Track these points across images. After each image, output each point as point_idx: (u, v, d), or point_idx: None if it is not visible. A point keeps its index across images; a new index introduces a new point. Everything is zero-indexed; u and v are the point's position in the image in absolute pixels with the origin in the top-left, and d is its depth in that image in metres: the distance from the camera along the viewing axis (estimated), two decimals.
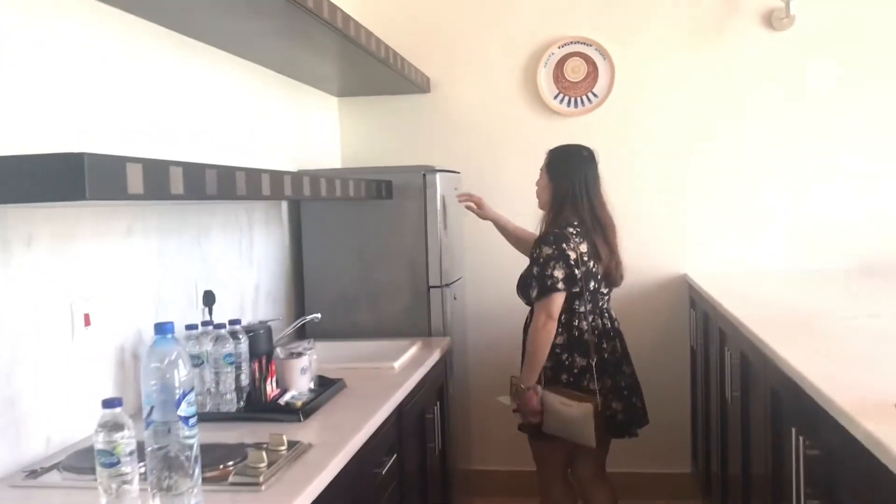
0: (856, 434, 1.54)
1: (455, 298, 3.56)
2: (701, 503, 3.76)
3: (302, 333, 3.44)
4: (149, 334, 2.26)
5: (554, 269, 2.84)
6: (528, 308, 3.03)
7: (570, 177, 2.97)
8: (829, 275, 3.80)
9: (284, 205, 3.40)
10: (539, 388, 2.90)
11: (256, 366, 2.20)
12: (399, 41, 3.59)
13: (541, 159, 3.09)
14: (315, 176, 2.61)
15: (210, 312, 2.60)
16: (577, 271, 2.84)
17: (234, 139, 2.98)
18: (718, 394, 3.17)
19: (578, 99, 4.03)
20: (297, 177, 2.43)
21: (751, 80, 3.93)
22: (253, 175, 2.05)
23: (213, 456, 1.69)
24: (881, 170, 3.88)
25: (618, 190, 3.35)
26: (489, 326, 4.07)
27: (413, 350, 2.99)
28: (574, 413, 2.81)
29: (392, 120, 4.17)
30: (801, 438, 1.82)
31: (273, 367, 2.23)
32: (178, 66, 2.54)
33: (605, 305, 3.02)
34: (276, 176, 2.23)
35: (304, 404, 2.18)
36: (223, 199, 2.04)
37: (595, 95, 4.01)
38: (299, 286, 3.49)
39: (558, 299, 2.86)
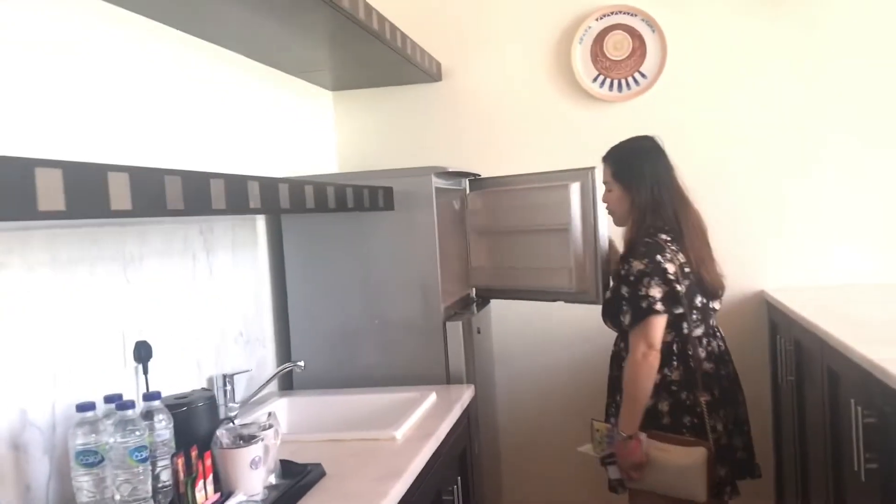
0: None
1: (479, 332, 2.83)
2: None
3: (289, 383, 2.74)
4: (40, 414, 1.58)
5: (649, 287, 2.32)
6: (615, 334, 2.56)
7: (645, 179, 2.47)
8: None
9: (260, 222, 2.71)
10: (643, 435, 2.35)
11: (180, 462, 1.48)
12: (404, 22, 2.90)
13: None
14: (297, 183, 1.93)
15: (145, 372, 1.92)
16: (678, 287, 2.32)
17: (204, 140, 2.31)
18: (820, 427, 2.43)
19: (623, 81, 3.30)
20: (269, 184, 1.75)
21: (839, 51, 3.18)
22: (198, 181, 1.37)
23: None
24: None
25: None
26: (526, 361, 3.35)
27: (425, 407, 2.27)
28: (683, 462, 2.30)
29: (398, 115, 3.47)
30: None
31: (208, 462, 1.52)
32: (132, 51, 1.89)
33: (715, 323, 2.52)
34: (235, 183, 1.55)
35: None
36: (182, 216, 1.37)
37: (643, 76, 3.28)
38: (283, 324, 2.79)
39: (659, 324, 2.34)
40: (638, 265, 2.35)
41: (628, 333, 2.39)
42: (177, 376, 2.12)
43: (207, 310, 2.30)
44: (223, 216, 2.31)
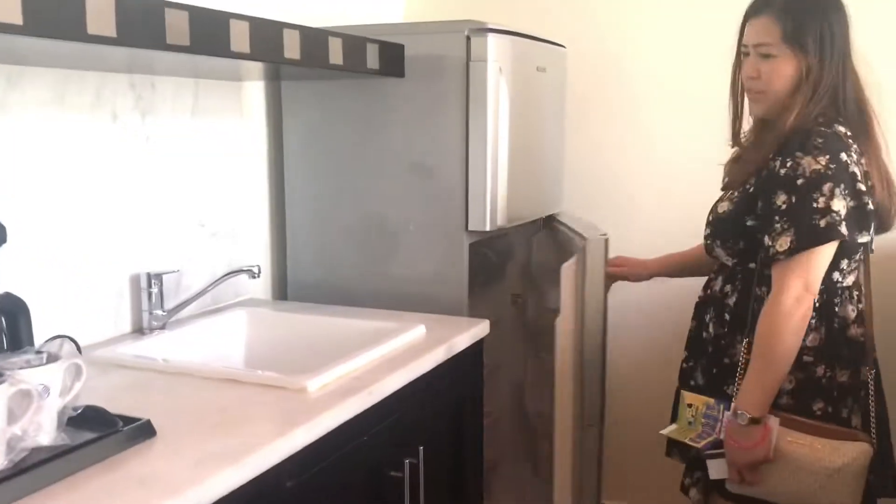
0: None
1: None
2: None
3: (284, 294, 2.22)
4: None
5: (832, 197, 1.56)
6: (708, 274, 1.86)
7: (834, 46, 1.65)
8: None
9: (252, 88, 2.13)
10: (773, 419, 1.61)
11: None
12: None
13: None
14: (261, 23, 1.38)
15: None
16: (869, 204, 1.61)
17: None
18: None
19: None
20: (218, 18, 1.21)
21: None
22: None
23: None
24: None
25: None
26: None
27: (394, 345, 1.65)
28: (834, 463, 1.58)
29: None
30: None
31: None
32: None
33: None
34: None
35: None
36: None
37: None
38: (278, 219, 2.23)
39: (828, 255, 1.60)
40: (812, 164, 1.57)
41: (764, 267, 1.66)
42: (81, 275, 1.64)
43: (141, 188, 1.78)
44: (171, 75, 1.77)
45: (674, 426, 1.78)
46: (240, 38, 1.41)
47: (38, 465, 1.04)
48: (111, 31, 1.17)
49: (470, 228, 1.99)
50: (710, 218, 1.76)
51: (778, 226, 1.58)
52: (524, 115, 2.09)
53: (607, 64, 2.59)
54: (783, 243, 1.57)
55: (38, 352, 1.12)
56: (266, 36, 1.49)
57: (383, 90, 2.02)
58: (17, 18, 1.03)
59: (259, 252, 2.18)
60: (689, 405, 1.74)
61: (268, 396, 1.39)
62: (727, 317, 1.74)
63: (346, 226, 2.13)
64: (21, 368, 1.07)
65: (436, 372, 1.66)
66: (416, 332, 1.75)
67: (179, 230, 1.90)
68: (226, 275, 1.85)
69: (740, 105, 1.79)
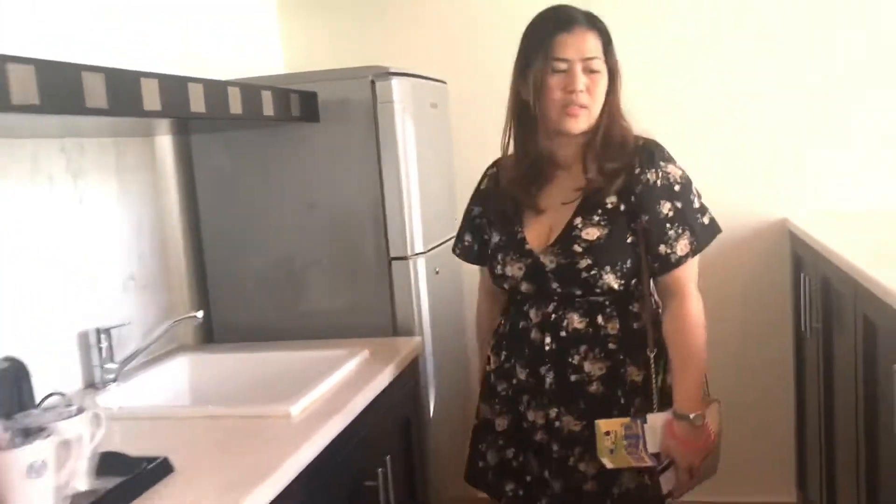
0: None
1: (438, 272, 2.34)
2: None
3: (209, 335, 2.28)
4: None
5: (699, 196, 1.68)
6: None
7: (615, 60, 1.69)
8: None
9: (163, 142, 2.21)
10: (714, 404, 1.69)
11: None
12: None
13: None
14: (177, 80, 1.46)
15: None
16: None
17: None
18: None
19: None
20: (124, 77, 1.28)
21: None
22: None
23: None
24: None
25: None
26: None
27: (345, 371, 1.79)
28: (720, 425, 1.70)
29: (350, 14, 2.91)
30: None
31: None
32: None
33: None
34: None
35: None
36: None
37: None
38: (197, 265, 2.31)
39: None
40: (676, 170, 1.65)
41: (659, 277, 1.65)
42: (33, 336, 1.67)
43: (77, 248, 1.82)
44: (95, 136, 1.83)
45: (609, 457, 1.64)
46: (151, 95, 1.46)
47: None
48: (35, 100, 1.20)
49: (392, 256, 2.16)
50: (582, 248, 1.62)
51: (672, 232, 1.61)
52: (425, 148, 2.29)
53: (478, 94, 2.83)
54: (682, 247, 1.61)
55: (68, 405, 1.19)
56: (173, 90, 1.53)
57: (295, 135, 2.15)
58: None
59: (184, 299, 2.25)
60: (607, 433, 1.63)
61: (256, 425, 1.50)
62: (611, 346, 1.65)
63: (266, 266, 2.24)
64: (57, 421, 1.14)
65: (389, 387, 1.81)
66: (363, 355, 1.90)
67: (112, 285, 1.94)
68: (173, 322, 1.91)
69: (514, 121, 1.70)
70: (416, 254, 2.20)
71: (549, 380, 1.66)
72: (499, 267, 1.69)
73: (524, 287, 1.67)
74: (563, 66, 1.59)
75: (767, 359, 2.79)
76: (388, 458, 1.71)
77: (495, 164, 1.82)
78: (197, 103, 1.65)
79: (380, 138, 2.12)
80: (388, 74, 2.12)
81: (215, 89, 1.70)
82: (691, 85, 2.72)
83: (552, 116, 1.62)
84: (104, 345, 1.81)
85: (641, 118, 1.69)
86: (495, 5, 2.79)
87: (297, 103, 1.98)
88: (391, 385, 1.82)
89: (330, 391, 1.66)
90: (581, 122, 1.62)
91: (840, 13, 2.64)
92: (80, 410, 1.19)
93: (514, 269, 1.67)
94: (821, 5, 2.65)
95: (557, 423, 1.66)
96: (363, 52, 2.79)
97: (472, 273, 1.97)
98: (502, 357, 1.74)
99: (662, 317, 1.68)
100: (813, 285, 2.33)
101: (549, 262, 1.63)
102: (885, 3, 2.62)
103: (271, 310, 2.25)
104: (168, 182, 2.22)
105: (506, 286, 1.71)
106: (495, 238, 1.73)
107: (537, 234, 1.68)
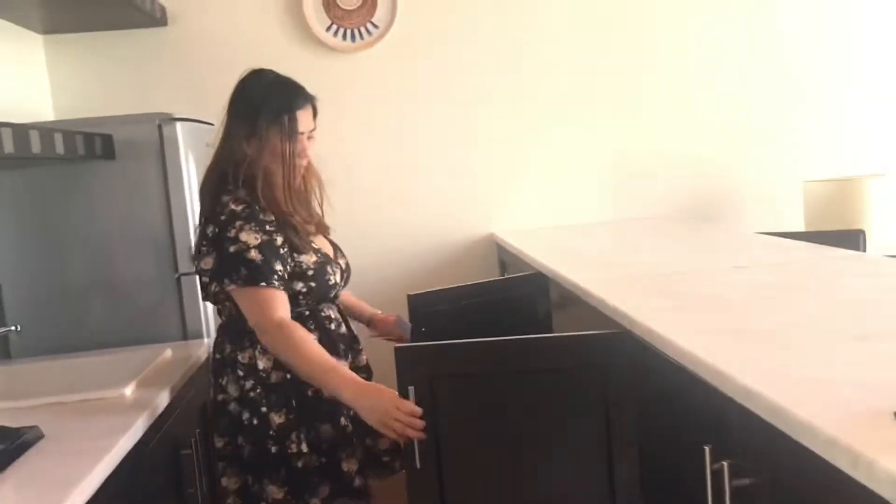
0: (836, 461, 0.99)
1: None
2: None
3: (4, 352, 2.52)
4: None
5: None
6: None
7: None
8: (652, 223, 3.39)
9: None
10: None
11: None
12: None
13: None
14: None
15: None
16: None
17: None
18: None
19: (356, 31, 3.31)
20: None
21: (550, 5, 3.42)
22: None
23: None
24: (683, 107, 3.53)
25: (405, 140, 3.26)
26: None
27: (158, 363, 2.18)
28: None
29: (120, 62, 3.25)
30: (725, 464, 1.26)
31: None
32: None
33: None
34: None
35: None
36: None
37: (375, 26, 3.32)
38: None
39: None
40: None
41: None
42: None
43: None
44: None
45: None
46: None
47: None
48: None
49: (180, 272, 2.55)
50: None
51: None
52: None
53: None
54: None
55: None
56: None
57: (93, 171, 2.48)
58: None
59: None
60: None
61: (98, 406, 1.85)
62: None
63: (63, 288, 2.52)
64: None
65: (191, 380, 2.22)
66: (167, 353, 2.28)
67: None
68: None
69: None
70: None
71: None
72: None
73: None
74: (309, 134, 2.03)
75: None
76: (197, 431, 2.12)
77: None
78: (8, 144, 1.97)
79: (167, 173, 2.52)
80: (173, 120, 2.53)
81: (20, 131, 2.02)
82: (424, 131, 3.39)
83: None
84: None
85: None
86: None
87: (99, 144, 2.33)
88: (192, 378, 2.23)
89: (151, 377, 2.05)
90: (300, 175, 2.05)
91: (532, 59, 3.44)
92: None
93: None
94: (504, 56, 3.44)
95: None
96: (128, 97, 3.15)
97: None
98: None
99: None
100: None
101: None
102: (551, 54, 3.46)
103: (69, 326, 2.53)
104: None
105: None
106: None
107: None
